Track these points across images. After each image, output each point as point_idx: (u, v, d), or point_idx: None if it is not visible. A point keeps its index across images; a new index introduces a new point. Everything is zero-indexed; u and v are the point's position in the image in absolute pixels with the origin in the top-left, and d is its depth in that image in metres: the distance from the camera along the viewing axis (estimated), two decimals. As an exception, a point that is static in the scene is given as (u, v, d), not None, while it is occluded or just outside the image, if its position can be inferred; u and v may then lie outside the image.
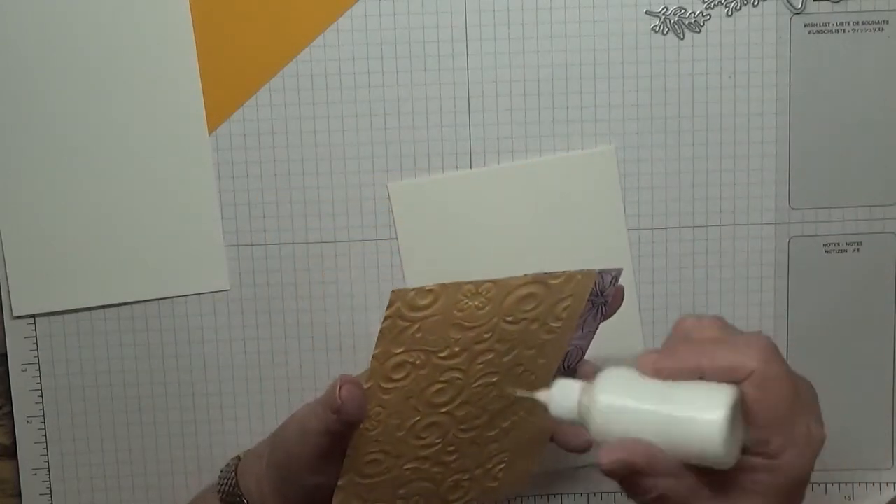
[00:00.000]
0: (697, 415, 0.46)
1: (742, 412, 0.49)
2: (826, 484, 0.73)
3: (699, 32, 0.69)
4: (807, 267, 0.71)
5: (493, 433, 0.60)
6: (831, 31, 0.69)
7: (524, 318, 0.56)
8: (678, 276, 0.71)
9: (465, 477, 0.62)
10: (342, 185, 0.70)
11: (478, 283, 0.54)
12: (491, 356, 0.57)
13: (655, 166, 0.70)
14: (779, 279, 0.71)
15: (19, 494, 0.72)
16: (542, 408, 0.59)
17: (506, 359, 0.57)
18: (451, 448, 0.60)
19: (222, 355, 0.72)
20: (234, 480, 0.64)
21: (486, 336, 0.56)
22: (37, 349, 0.71)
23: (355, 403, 0.55)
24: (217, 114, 0.69)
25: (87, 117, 0.69)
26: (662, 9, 0.69)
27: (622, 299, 0.60)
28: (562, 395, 0.51)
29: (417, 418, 0.58)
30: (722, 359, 0.48)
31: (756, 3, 0.68)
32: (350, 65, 0.69)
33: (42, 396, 0.72)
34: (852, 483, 0.73)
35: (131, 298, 0.71)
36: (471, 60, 0.69)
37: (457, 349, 0.56)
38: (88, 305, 0.71)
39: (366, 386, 0.56)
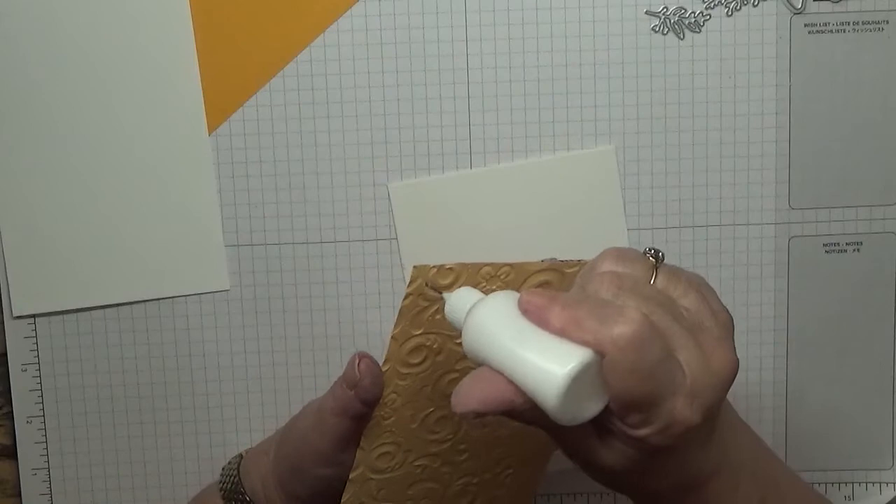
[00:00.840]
0: (543, 364, 0.46)
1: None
2: (826, 484, 0.73)
3: (699, 32, 0.69)
4: (807, 267, 0.71)
5: (503, 433, 0.60)
6: (831, 31, 0.69)
7: None
8: (678, 276, 0.71)
9: (474, 481, 0.62)
10: (342, 185, 0.70)
11: (496, 266, 0.54)
12: None
13: (655, 166, 0.70)
14: (779, 279, 0.71)
15: (19, 494, 0.72)
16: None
17: None
18: (463, 446, 0.60)
19: (222, 355, 0.72)
20: (236, 478, 0.64)
21: None
22: (37, 349, 0.71)
23: (373, 378, 0.55)
24: (217, 114, 0.69)
25: (87, 117, 0.69)
26: (662, 9, 0.69)
27: None
28: (458, 300, 0.51)
29: (431, 409, 0.58)
30: (578, 335, 0.47)
31: (756, 3, 0.68)
32: (350, 65, 0.69)
33: (42, 396, 0.72)
34: (852, 483, 0.73)
35: (131, 298, 0.71)
36: (471, 60, 0.69)
37: None
38: (88, 305, 0.71)
39: (384, 368, 0.56)
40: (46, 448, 0.72)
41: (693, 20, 0.69)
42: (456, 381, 0.57)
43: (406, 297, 0.54)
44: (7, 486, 0.73)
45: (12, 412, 0.72)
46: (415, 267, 0.53)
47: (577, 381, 0.46)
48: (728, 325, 0.50)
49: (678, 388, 0.47)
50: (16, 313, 0.70)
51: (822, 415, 0.72)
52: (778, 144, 0.70)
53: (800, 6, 0.69)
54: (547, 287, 0.55)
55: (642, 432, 0.48)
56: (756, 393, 0.72)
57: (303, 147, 0.70)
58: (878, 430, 0.73)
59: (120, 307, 0.71)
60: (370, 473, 0.59)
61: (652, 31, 0.69)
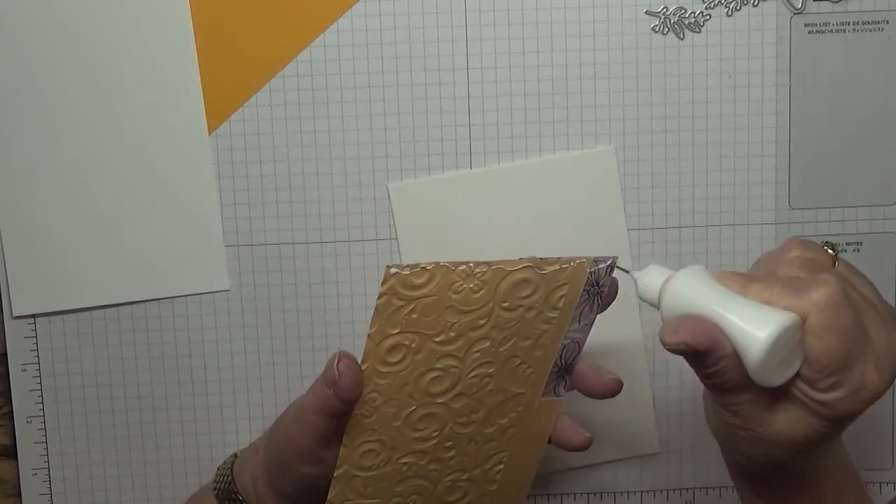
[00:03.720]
0: (748, 327, 0.50)
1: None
2: (826, 484, 0.73)
3: (699, 32, 0.69)
4: (807, 267, 0.71)
5: (491, 430, 0.60)
6: (831, 31, 0.69)
7: (520, 305, 0.56)
8: (678, 276, 0.71)
9: (464, 477, 0.62)
10: (342, 185, 0.70)
11: (473, 265, 0.55)
12: (487, 344, 0.57)
13: (655, 166, 0.70)
14: (779, 279, 0.71)
15: (19, 494, 0.72)
16: (542, 406, 0.59)
17: (502, 349, 0.57)
18: (449, 444, 0.60)
19: (222, 355, 0.72)
20: (230, 478, 0.64)
21: (481, 322, 0.56)
22: (37, 349, 0.71)
23: (352, 378, 0.55)
24: (217, 114, 0.69)
25: (86, 117, 0.69)
26: (662, 9, 0.69)
27: (616, 290, 0.60)
28: (649, 278, 0.55)
29: (413, 408, 0.58)
30: (781, 301, 0.51)
31: (756, 3, 0.69)
32: (350, 65, 0.69)
33: (42, 396, 0.72)
34: (852, 483, 0.73)
35: (131, 298, 0.71)
36: (471, 60, 0.69)
37: (453, 334, 0.56)
38: (88, 305, 0.71)
39: (363, 367, 0.56)
40: (46, 448, 0.72)
41: (693, 20, 0.69)
42: (439, 378, 0.57)
43: (380, 296, 0.54)
44: (7, 486, 0.73)
45: (12, 412, 0.72)
46: (388, 266, 0.54)
47: (779, 343, 0.49)
48: (894, 318, 0.55)
49: (868, 353, 0.52)
50: (16, 313, 0.70)
51: (822, 415, 0.72)
52: (778, 144, 0.70)
53: (800, 6, 0.69)
54: (525, 284, 0.56)
55: (832, 395, 0.51)
56: (756, 393, 0.72)
57: (303, 147, 0.70)
58: (878, 430, 0.73)
59: (120, 307, 0.71)
60: (355, 471, 0.58)
61: (652, 31, 0.69)
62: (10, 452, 0.72)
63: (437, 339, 0.56)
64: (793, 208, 0.71)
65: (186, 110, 0.69)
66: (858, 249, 0.71)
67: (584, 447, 0.61)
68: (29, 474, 0.72)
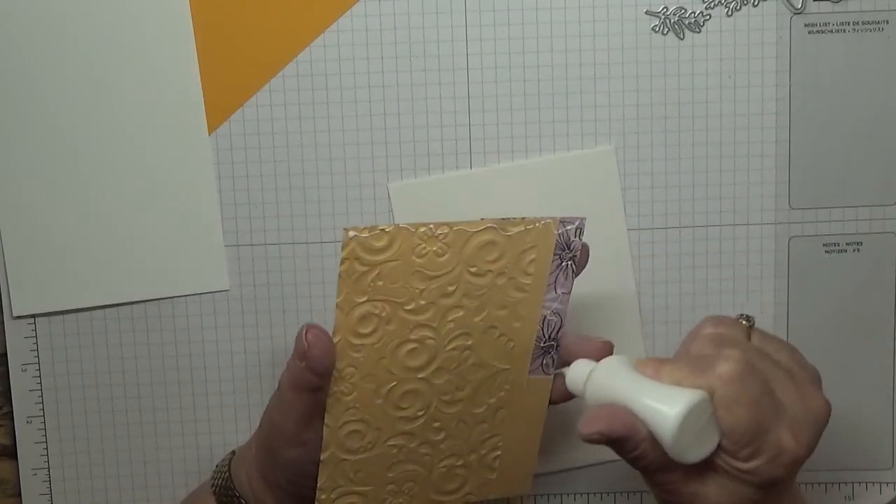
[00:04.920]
0: (658, 408, 0.52)
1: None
2: (826, 484, 0.73)
3: (699, 32, 0.69)
4: (807, 267, 0.71)
5: (480, 411, 0.60)
6: (831, 31, 0.69)
7: (489, 270, 0.56)
8: (678, 276, 0.71)
9: (459, 463, 0.61)
10: (342, 185, 0.70)
11: (434, 226, 0.55)
12: (461, 314, 0.57)
13: (655, 166, 0.70)
14: (779, 279, 0.71)
15: (19, 494, 0.72)
16: (531, 384, 0.60)
17: (477, 318, 0.57)
18: (437, 424, 0.59)
19: (222, 355, 0.72)
20: (227, 475, 0.64)
21: (451, 289, 0.56)
22: (37, 349, 0.71)
23: (322, 347, 0.55)
24: (217, 114, 0.69)
25: (86, 117, 0.69)
26: (662, 9, 0.69)
27: (588, 255, 0.60)
28: (575, 372, 0.57)
29: (393, 383, 0.57)
30: (689, 381, 0.53)
31: (756, 3, 0.69)
32: (350, 65, 0.69)
33: (42, 396, 0.72)
34: (852, 483, 0.73)
35: (131, 298, 0.71)
36: (471, 60, 0.69)
37: (423, 302, 0.56)
38: (88, 305, 0.71)
39: (335, 339, 0.56)
40: (46, 448, 0.72)
41: (693, 20, 0.69)
42: (415, 351, 0.57)
43: (342, 262, 0.54)
44: (7, 486, 0.73)
45: (12, 412, 0.72)
46: (345, 230, 0.53)
47: (689, 420, 0.52)
48: (817, 377, 0.58)
49: (782, 419, 0.54)
50: (16, 313, 0.70)
51: (822, 415, 0.72)
52: (778, 144, 0.70)
53: (800, 6, 0.69)
54: (491, 247, 0.56)
55: (753, 463, 0.53)
56: (756, 393, 0.72)
57: (303, 147, 0.70)
58: (878, 430, 0.73)
59: (120, 307, 0.71)
60: (342, 454, 0.58)
61: (652, 31, 0.69)
62: (10, 452, 0.72)
63: (408, 308, 0.56)
64: (793, 208, 0.71)
65: (186, 110, 0.69)
66: (858, 249, 0.71)
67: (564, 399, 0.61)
68: (29, 474, 0.72)
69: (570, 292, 0.59)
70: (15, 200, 0.69)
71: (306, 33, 0.69)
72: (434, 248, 0.55)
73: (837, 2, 0.68)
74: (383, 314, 0.56)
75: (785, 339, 0.72)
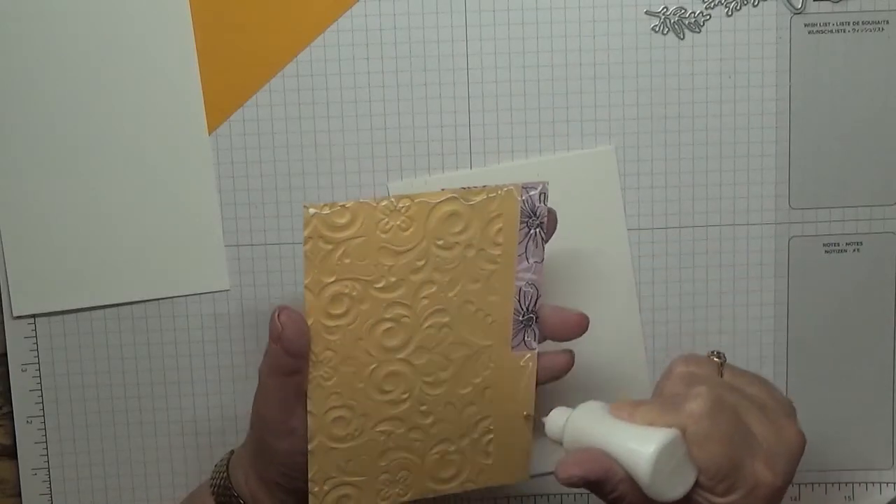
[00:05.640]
0: (632, 449, 0.53)
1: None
2: (826, 484, 0.73)
3: (699, 32, 0.69)
4: (807, 267, 0.71)
5: (466, 391, 0.60)
6: (831, 31, 0.69)
7: (456, 243, 0.56)
8: (678, 276, 0.71)
9: (451, 448, 0.61)
10: (342, 185, 0.70)
11: (395, 199, 0.55)
12: (434, 289, 0.57)
13: (655, 166, 0.70)
14: (779, 279, 0.71)
15: (19, 494, 0.72)
16: (516, 361, 0.60)
17: (451, 294, 0.57)
18: (424, 408, 0.59)
19: (222, 355, 0.72)
20: (225, 474, 0.64)
21: (420, 263, 0.56)
22: (37, 349, 0.71)
23: (295, 327, 0.56)
24: (217, 114, 0.69)
25: (87, 117, 0.69)
26: (662, 9, 0.69)
27: (556, 221, 0.60)
28: (553, 420, 0.58)
29: (374, 366, 0.57)
30: (661, 420, 0.54)
31: (756, 3, 0.69)
32: (350, 65, 0.69)
33: (42, 396, 0.72)
34: (852, 483, 0.73)
35: (131, 298, 0.71)
36: (471, 60, 0.69)
37: (393, 279, 0.56)
38: (88, 305, 0.71)
39: (309, 322, 0.55)
40: (46, 448, 0.72)
41: (693, 20, 0.69)
42: (392, 330, 0.57)
43: (305, 241, 0.54)
44: (7, 486, 0.73)
45: (12, 412, 0.72)
46: (305, 207, 0.53)
47: (663, 458, 0.53)
48: (791, 408, 0.58)
49: (756, 452, 0.54)
50: (16, 313, 0.70)
51: (821, 415, 0.72)
52: (778, 144, 0.70)
53: (800, 6, 0.69)
54: (455, 218, 0.56)
55: (731, 497, 0.54)
56: (756, 393, 0.72)
57: (303, 147, 0.70)
58: (878, 430, 0.73)
59: (120, 307, 0.71)
60: (330, 442, 0.58)
61: (652, 31, 0.69)
62: (10, 452, 0.72)
63: (379, 286, 0.56)
64: (793, 208, 0.71)
65: (186, 110, 0.69)
66: (858, 249, 0.71)
67: (577, 333, 0.61)
68: (29, 474, 0.72)
69: (542, 261, 0.59)
70: (15, 200, 0.69)
71: (306, 33, 0.69)
72: (398, 223, 0.55)
73: (837, 2, 0.68)
74: (354, 293, 0.56)
75: (785, 339, 0.72)
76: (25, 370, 0.71)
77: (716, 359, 0.58)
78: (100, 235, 0.70)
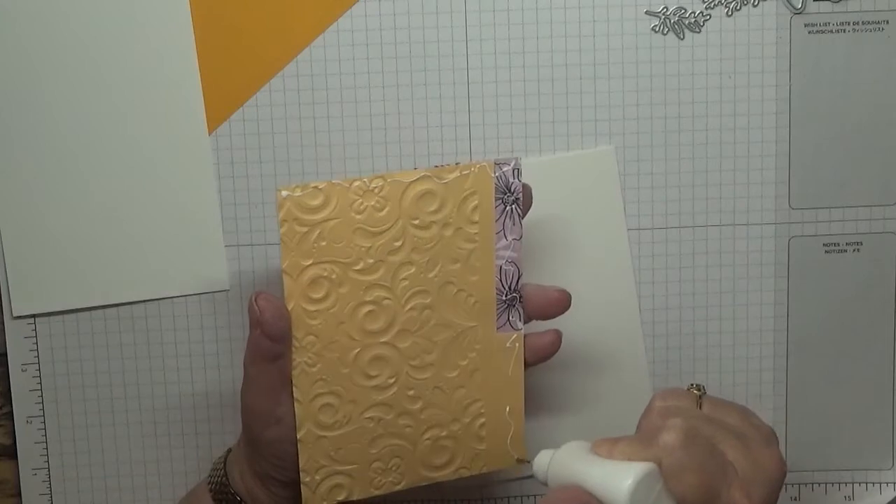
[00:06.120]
0: (610, 484, 0.54)
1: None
2: (826, 484, 0.73)
3: (699, 32, 0.69)
4: (807, 267, 0.71)
5: (453, 375, 0.60)
6: (831, 31, 0.69)
7: (433, 222, 0.56)
8: (678, 276, 0.71)
9: (443, 434, 0.61)
10: (342, 185, 0.70)
11: (367, 179, 0.56)
12: (413, 270, 0.57)
13: (655, 166, 0.70)
14: (779, 279, 0.71)
15: (19, 494, 0.72)
16: (502, 341, 0.60)
17: (431, 274, 0.57)
18: (412, 393, 0.59)
19: (222, 355, 0.72)
20: (222, 472, 0.64)
21: (397, 244, 0.56)
22: (37, 349, 0.71)
23: (274, 310, 0.56)
24: (217, 114, 0.69)
25: (87, 117, 0.69)
26: (662, 9, 0.69)
27: (531, 197, 0.60)
28: (538, 462, 0.58)
29: (357, 350, 0.57)
30: (638, 455, 0.55)
31: (756, 3, 0.69)
32: (350, 65, 0.69)
33: (42, 396, 0.72)
34: (852, 483, 0.73)
35: (131, 298, 0.71)
36: (471, 60, 0.69)
37: (371, 261, 0.56)
38: (88, 305, 0.71)
39: (289, 307, 0.56)
40: (46, 448, 0.72)
41: (693, 20, 0.69)
42: (373, 313, 0.57)
43: (280, 224, 0.54)
44: (7, 486, 0.73)
45: (12, 412, 0.72)
46: (278, 190, 0.54)
47: (640, 492, 0.53)
48: (771, 436, 0.59)
49: (731, 480, 0.55)
50: (16, 313, 0.70)
51: (822, 415, 0.72)
52: (778, 144, 0.70)
53: (800, 6, 0.69)
54: (429, 197, 0.57)
55: None
56: (756, 393, 0.72)
57: (303, 147, 0.70)
58: (878, 430, 0.73)
59: (120, 307, 0.71)
60: (318, 430, 0.58)
61: (652, 31, 0.69)
62: (10, 452, 0.73)
63: (357, 268, 0.56)
64: (793, 208, 0.71)
65: (186, 110, 0.69)
66: (858, 249, 0.71)
67: (559, 310, 0.62)
68: (29, 474, 0.72)
69: (520, 238, 0.59)
70: (15, 200, 0.69)
71: (306, 33, 0.69)
72: (372, 203, 0.55)
73: (837, 2, 0.68)
74: (333, 276, 0.56)
75: (784, 339, 0.72)
76: (25, 370, 0.71)
77: (695, 391, 0.60)
78: (100, 235, 0.70)
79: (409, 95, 0.69)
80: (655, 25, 0.69)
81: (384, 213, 0.56)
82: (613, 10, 0.68)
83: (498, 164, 0.58)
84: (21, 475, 0.72)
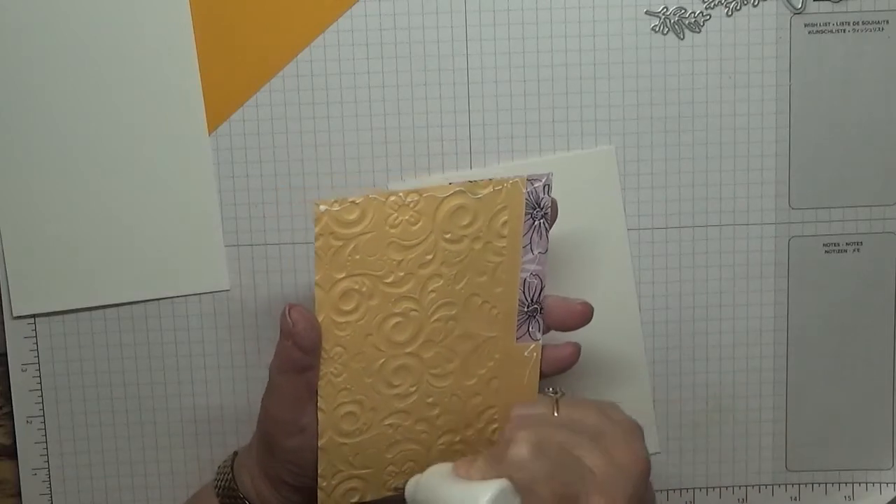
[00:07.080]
0: (467, 501, 0.53)
1: None
2: (826, 484, 0.73)
3: (699, 32, 0.69)
4: (807, 267, 0.71)
5: (471, 383, 0.60)
6: (831, 31, 0.69)
7: (464, 236, 0.57)
8: (678, 276, 0.71)
9: (457, 439, 0.61)
10: (342, 185, 0.70)
11: (403, 194, 0.56)
12: (441, 283, 0.57)
13: (655, 166, 0.70)
14: (779, 279, 0.71)
15: (19, 494, 0.72)
16: (520, 351, 0.60)
17: (458, 286, 0.57)
18: (431, 400, 0.59)
19: (222, 355, 0.72)
20: (230, 475, 0.64)
21: (428, 258, 0.56)
22: (37, 349, 0.71)
23: (306, 323, 0.56)
24: (217, 114, 0.69)
25: (87, 117, 0.69)
26: (662, 9, 0.69)
27: (557, 211, 0.61)
28: (407, 489, 0.57)
29: (382, 360, 0.57)
30: (490, 473, 0.54)
31: (756, 3, 0.69)
32: (350, 65, 0.69)
33: (42, 396, 0.72)
34: (852, 483, 0.73)
35: (131, 298, 0.71)
36: (471, 60, 0.69)
37: (402, 274, 0.56)
38: (88, 305, 0.71)
39: (319, 318, 0.56)
40: (46, 448, 0.72)
41: (693, 20, 0.69)
42: (401, 325, 0.57)
43: (316, 238, 0.54)
44: (7, 486, 0.73)
45: (12, 412, 0.72)
46: (316, 204, 0.54)
47: None
48: (634, 429, 0.58)
49: (590, 485, 0.54)
50: (16, 313, 0.70)
51: (822, 415, 0.72)
52: (778, 144, 0.70)
53: (800, 6, 0.69)
54: (462, 211, 0.57)
55: None
56: (756, 393, 0.72)
57: (303, 147, 0.70)
58: (878, 430, 0.73)
59: (120, 307, 0.71)
60: (339, 438, 0.58)
61: (652, 31, 0.69)
62: (10, 452, 0.73)
63: (388, 281, 0.56)
64: (793, 208, 0.71)
65: (186, 110, 0.69)
66: (858, 249, 0.71)
67: (581, 322, 0.61)
68: (29, 474, 0.72)
69: (546, 252, 0.60)
70: (15, 200, 0.69)
71: (306, 33, 0.69)
72: (406, 217, 0.56)
73: (837, 2, 0.68)
74: (364, 289, 0.56)
75: (784, 339, 0.72)
76: (25, 370, 0.71)
77: (552, 394, 0.59)
78: (100, 235, 0.70)
79: (409, 95, 0.69)
80: (655, 25, 0.69)
81: (417, 227, 0.56)
82: (613, 10, 0.68)
83: (530, 179, 0.58)
84: (21, 475, 0.72)
